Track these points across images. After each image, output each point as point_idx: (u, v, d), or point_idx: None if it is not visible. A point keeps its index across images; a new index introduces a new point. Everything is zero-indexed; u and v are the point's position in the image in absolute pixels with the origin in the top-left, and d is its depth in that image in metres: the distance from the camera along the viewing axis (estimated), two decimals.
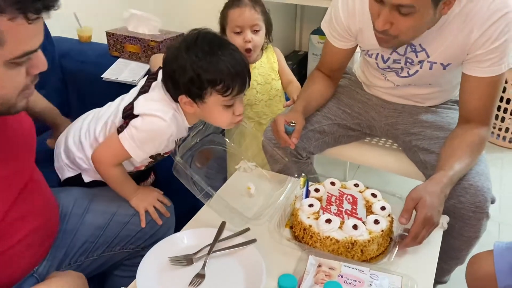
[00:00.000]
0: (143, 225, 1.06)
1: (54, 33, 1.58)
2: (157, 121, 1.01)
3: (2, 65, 0.67)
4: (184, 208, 1.37)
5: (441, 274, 1.31)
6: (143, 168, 1.19)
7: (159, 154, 1.13)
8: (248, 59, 1.34)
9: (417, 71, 1.22)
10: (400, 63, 1.22)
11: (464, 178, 1.10)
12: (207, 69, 0.96)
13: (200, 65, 0.96)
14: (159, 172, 1.36)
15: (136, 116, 1.02)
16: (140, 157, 1.05)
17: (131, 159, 1.09)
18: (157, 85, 1.06)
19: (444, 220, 1.06)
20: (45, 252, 0.94)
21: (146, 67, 1.53)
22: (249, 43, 1.40)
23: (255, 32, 1.41)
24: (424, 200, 0.94)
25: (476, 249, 1.15)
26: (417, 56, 1.18)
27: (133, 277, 1.06)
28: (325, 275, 0.79)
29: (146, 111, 1.01)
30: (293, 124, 1.16)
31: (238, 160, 1.32)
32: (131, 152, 1.03)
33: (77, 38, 1.70)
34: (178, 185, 1.26)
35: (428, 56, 1.17)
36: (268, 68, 1.51)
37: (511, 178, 2.14)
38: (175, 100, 1.02)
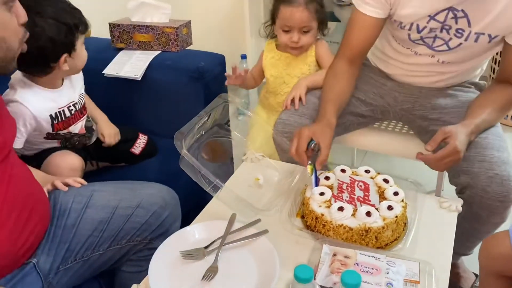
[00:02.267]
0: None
1: None
2: (14, 101, 1.13)
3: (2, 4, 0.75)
4: (192, 202, 1.36)
5: (465, 249, 1.31)
6: (57, 144, 1.26)
7: (51, 134, 1.20)
8: (294, 53, 1.45)
9: (460, 44, 1.16)
10: (435, 32, 1.16)
11: (490, 167, 1.08)
12: (72, 16, 1.14)
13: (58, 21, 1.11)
14: (166, 165, 1.35)
15: None
16: (15, 143, 1.04)
17: (34, 146, 1.19)
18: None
19: (458, 203, 1.04)
20: (32, 236, 0.91)
21: (149, 58, 1.50)
22: (295, 43, 1.39)
23: (305, 32, 1.38)
24: (456, 134, 1.03)
25: None
26: (456, 23, 1.13)
27: (141, 272, 1.06)
28: (341, 264, 0.78)
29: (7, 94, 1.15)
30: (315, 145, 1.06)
31: (244, 151, 1.31)
32: None
33: None
34: (184, 178, 1.24)
35: (469, 25, 1.12)
36: (301, 62, 1.47)
37: None
38: (48, 71, 1.16)
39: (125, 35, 1.56)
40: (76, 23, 1.15)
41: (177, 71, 1.45)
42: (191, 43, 1.59)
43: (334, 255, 0.81)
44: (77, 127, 1.29)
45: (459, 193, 1.16)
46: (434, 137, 1.06)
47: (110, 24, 1.57)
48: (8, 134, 0.93)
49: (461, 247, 0.98)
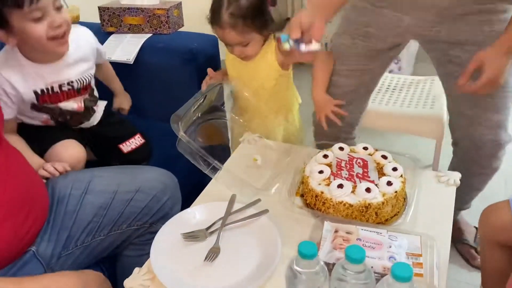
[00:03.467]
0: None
1: None
2: None
3: None
4: (190, 185, 1.36)
5: (463, 203, 1.33)
6: (51, 122, 1.23)
7: (36, 105, 1.17)
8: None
9: None
10: None
11: (484, 132, 1.12)
12: None
13: None
14: (162, 146, 1.34)
15: None
16: (6, 113, 1.05)
17: (25, 113, 1.17)
18: None
19: (456, 177, 1.04)
20: (33, 227, 0.91)
21: (140, 41, 1.48)
22: (242, 55, 1.23)
23: (245, 45, 1.20)
24: (490, 60, 0.96)
25: (483, 204, 1.14)
26: None
27: (143, 255, 1.06)
28: (343, 240, 0.78)
29: None
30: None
31: (241, 133, 1.30)
32: None
33: None
34: (182, 162, 1.23)
35: None
36: (261, 68, 1.27)
37: None
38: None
39: (115, 19, 1.53)
40: None
41: (169, 54, 1.43)
42: (182, 25, 1.57)
43: (336, 231, 0.81)
44: (71, 105, 1.24)
45: (454, 144, 1.20)
46: (467, 68, 1.00)
47: (99, 8, 1.54)
48: None
49: (458, 202, 0.98)
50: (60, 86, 1.20)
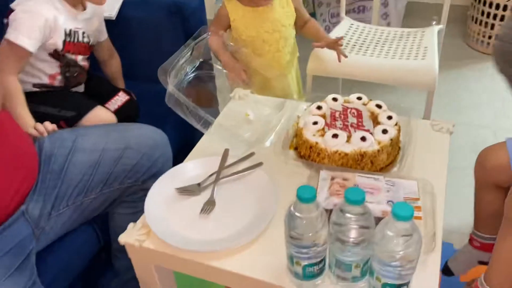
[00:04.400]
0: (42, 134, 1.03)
1: None
2: (29, 2, 1.10)
3: None
4: (179, 143, 1.34)
5: None
6: (59, 77, 1.21)
7: (58, 52, 1.16)
8: (265, 3, 1.28)
9: None
10: None
11: None
12: None
13: None
14: (150, 106, 1.31)
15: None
16: (29, 44, 1.07)
17: (35, 63, 1.15)
18: None
19: (450, 124, 1.04)
20: (22, 188, 0.89)
21: None
22: None
23: None
24: None
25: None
26: None
27: (136, 213, 1.03)
28: (340, 186, 0.77)
29: (19, 1, 1.11)
30: None
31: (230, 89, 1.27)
32: (18, 40, 1.06)
33: None
34: (170, 120, 1.20)
35: None
36: (279, 13, 1.33)
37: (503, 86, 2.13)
38: None
39: None
40: None
41: (153, 7, 1.37)
42: None
43: (333, 179, 0.80)
44: (82, 61, 1.25)
45: None
46: None
47: None
48: None
49: None
50: (83, 35, 1.20)
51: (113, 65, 1.38)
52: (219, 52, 1.31)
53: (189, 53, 1.05)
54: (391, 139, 0.91)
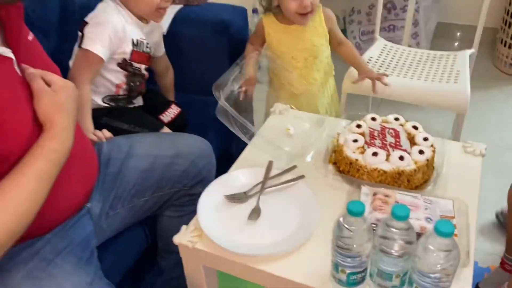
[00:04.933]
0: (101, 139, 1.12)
1: None
2: (101, 12, 1.21)
3: None
4: (219, 152, 1.42)
5: None
6: (124, 86, 1.29)
7: (126, 60, 1.25)
8: (304, 23, 1.35)
9: None
10: None
11: None
12: None
13: None
14: (194, 116, 1.39)
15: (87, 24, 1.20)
16: (102, 51, 1.17)
17: (104, 73, 1.23)
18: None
19: (482, 147, 1.09)
20: (86, 184, 0.96)
21: (173, 12, 1.50)
22: (306, 8, 1.30)
23: None
24: None
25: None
26: None
27: (182, 216, 1.12)
28: (382, 202, 0.84)
29: (92, 13, 1.22)
30: None
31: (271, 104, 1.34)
32: (93, 48, 1.16)
33: None
34: (211, 130, 1.28)
35: None
36: (311, 32, 1.40)
37: None
38: None
39: None
40: None
41: (201, 25, 1.45)
42: None
43: (374, 194, 0.86)
44: (144, 70, 1.33)
45: None
46: None
47: None
48: None
49: None
50: (146, 45, 1.29)
51: (168, 78, 1.47)
52: (247, 60, 1.38)
53: (238, 71, 1.13)
54: (427, 160, 0.97)
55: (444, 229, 0.64)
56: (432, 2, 2.50)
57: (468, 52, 1.64)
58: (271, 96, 1.54)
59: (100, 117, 1.23)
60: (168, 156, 1.09)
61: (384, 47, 1.76)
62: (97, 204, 0.98)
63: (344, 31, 2.65)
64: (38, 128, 0.78)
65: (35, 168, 0.73)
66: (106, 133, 1.11)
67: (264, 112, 1.58)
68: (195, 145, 1.14)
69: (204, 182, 1.07)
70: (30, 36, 0.89)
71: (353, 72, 1.53)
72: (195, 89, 1.47)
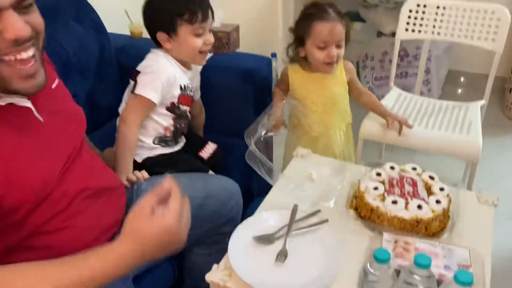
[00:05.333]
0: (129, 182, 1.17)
1: (108, 29, 1.67)
2: (153, 62, 1.32)
3: None
4: (242, 190, 1.49)
5: None
6: (172, 128, 1.37)
7: (174, 104, 1.34)
8: (329, 71, 1.47)
9: None
10: None
11: None
12: (173, 1, 1.26)
13: (166, 1, 1.27)
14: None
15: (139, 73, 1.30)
16: (155, 96, 1.26)
17: (154, 117, 1.32)
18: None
19: (495, 198, 1.16)
20: (111, 215, 0.99)
21: None
22: (333, 58, 1.40)
23: (339, 47, 1.40)
24: None
25: None
26: None
27: (210, 254, 1.19)
28: (403, 249, 0.90)
29: (143, 63, 1.32)
30: None
31: (293, 148, 1.42)
32: (146, 94, 1.26)
33: (129, 34, 1.79)
34: (235, 172, 1.36)
35: None
36: (331, 80, 1.50)
37: None
38: (159, 45, 1.33)
39: None
40: (182, 10, 1.27)
41: (230, 73, 1.56)
42: (238, 46, 1.71)
43: (396, 241, 0.93)
44: (188, 112, 1.42)
45: None
46: None
47: None
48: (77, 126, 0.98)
49: None
50: (190, 90, 1.39)
51: (201, 119, 1.57)
52: (274, 109, 1.46)
53: (267, 119, 1.23)
54: (443, 209, 1.04)
55: (464, 279, 0.70)
56: (444, 51, 2.62)
57: (479, 103, 1.73)
58: (291, 139, 1.63)
59: (154, 167, 1.31)
60: (200, 197, 1.16)
61: (398, 97, 1.86)
62: None
63: (358, 75, 2.77)
64: (53, 176, 0.79)
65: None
66: (144, 174, 1.19)
67: (283, 156, 1.66)
68: (225, 186, 1.22)
69: (232, 222, 1.14)
70: (55, 84, 0.93)
71: (370, 120, 1.62)
72: (221, 131, 1.56)
